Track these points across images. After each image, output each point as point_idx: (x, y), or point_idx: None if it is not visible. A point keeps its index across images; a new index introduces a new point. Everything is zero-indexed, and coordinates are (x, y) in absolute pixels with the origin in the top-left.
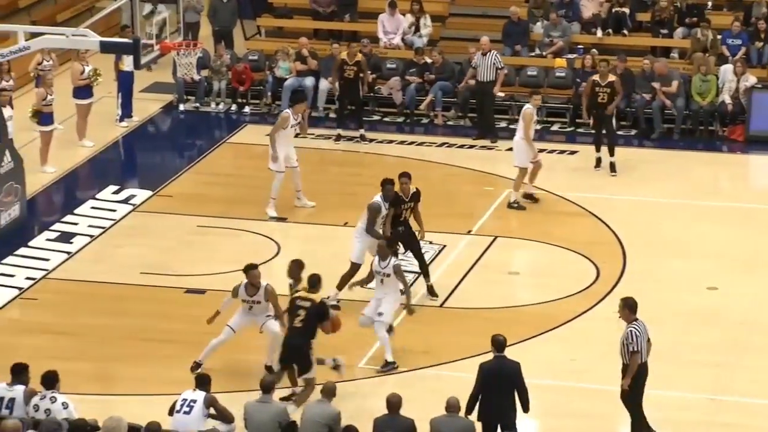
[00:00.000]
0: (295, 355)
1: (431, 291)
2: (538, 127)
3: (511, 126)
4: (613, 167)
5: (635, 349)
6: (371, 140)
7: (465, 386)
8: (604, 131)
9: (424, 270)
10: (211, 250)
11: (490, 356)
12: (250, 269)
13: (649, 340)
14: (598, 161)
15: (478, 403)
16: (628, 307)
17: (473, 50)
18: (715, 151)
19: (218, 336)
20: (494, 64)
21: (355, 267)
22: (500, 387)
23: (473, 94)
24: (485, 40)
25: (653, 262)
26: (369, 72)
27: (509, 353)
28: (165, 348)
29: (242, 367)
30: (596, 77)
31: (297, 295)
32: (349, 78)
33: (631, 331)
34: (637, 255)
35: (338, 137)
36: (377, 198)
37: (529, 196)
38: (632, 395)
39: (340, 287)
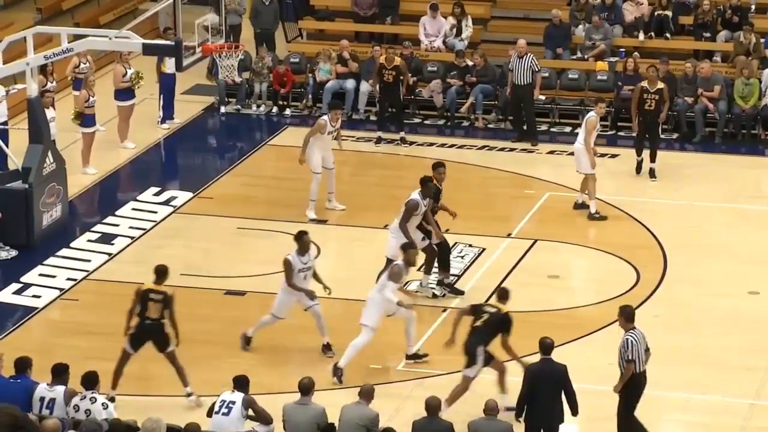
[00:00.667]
0: (466, 352)
1: (446, 285)
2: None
3: (552, 129)
4: (653, 173)
5: (630, 357)
6: (411, 143)
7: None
8: (647, 137)
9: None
10: (250, 252)
11: (530, 359)
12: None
13: (648, 349)
14: (639, 165)
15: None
16: (625, 316)
17: (512, 52)
18: (758, 155)
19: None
20: (531, 67)
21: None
22: (547, 390)
23: (511, 97)
24: (522, 42)
25: (694, 265)
26: (410, 75)
27: (555, 356)
28: (204, 349)
29: (281, 368)
30: (645, 83)
31: (481, 304)
32: (388, 82)
33: (627, 339)
34: (678, 259)
35: (378, 140)
36: (415, 195)
37: (580, 206)
38: (625, 404)
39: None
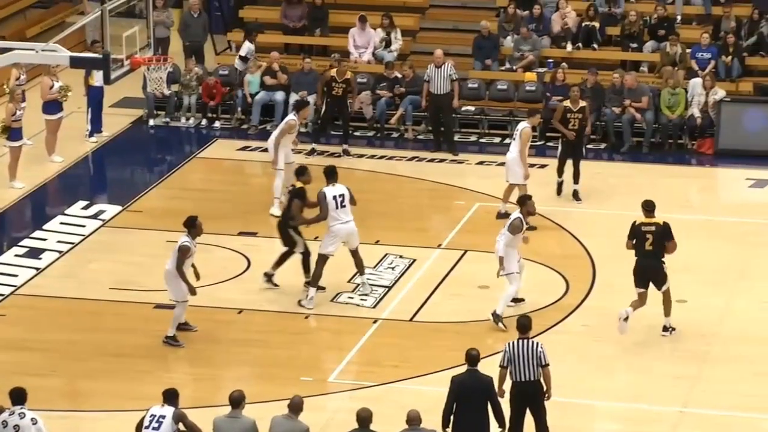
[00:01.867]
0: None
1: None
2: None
3: (481, 140)
4: (577, 195)
5: (502, 364)
6: (353, 155)
7: (435, 400)
8: (571, 156)
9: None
10: None
11: (459, 371)
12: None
13: (540, 362)
14: (560, 187)
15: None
16: (517, 325)
17: (439, 52)
18: (685, 164)
19: None
20: (450, 75)
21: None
22: (473, 401)
23: (429, 108)
24: (439, 53)
25: (623, 275)
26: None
27: (483, 367)
28: (135, 363)
29: (213, 381)
30: (568, 103)
31: (639, 222)
32: (337, 96)
33: (504, 345)
34: (607, 268)
35: (312, 151)
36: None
37: (503, 215)
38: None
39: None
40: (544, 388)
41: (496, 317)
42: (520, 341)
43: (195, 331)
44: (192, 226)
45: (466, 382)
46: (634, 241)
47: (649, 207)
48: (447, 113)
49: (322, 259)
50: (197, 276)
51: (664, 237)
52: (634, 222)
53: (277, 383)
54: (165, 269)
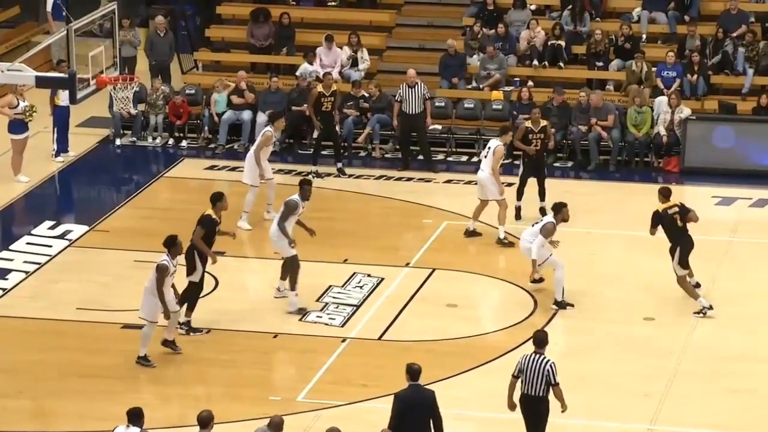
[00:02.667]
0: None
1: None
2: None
3: (449, 158)
4: (544, 211)
5: (514, 373)
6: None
7: None
8: (534, 176)
9: None
10: None
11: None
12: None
13: (549, 381)
14: (518, 212)
15: None
16: (533, 339)
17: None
18: (651, 182)
19: None
20: (424, 95)
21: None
22: (416, 416)
23: (400, 127)
24: (412, 72)
25: (590, 293)
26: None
27: (453, 386)
28: (102, 383)
29: (181, 401)
30: (528, 123)
31: (662, 209)
32: (327, 111)
33: (519, 356)
34: (575, 286)
35: (317, 174)
36: (294, 197)
37: (471, 233)
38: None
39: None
40: (549, 407)
41: (560, 304)
42: (534, 355)
43: (179, 353)
44: (172, 245)
45: (408, 397)
46: (659, 227)
47: (666, 192)
48: (422, 132)
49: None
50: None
51: (685, 212)
52: (657, 211)
53: (246, 403)
54: (144, 286)
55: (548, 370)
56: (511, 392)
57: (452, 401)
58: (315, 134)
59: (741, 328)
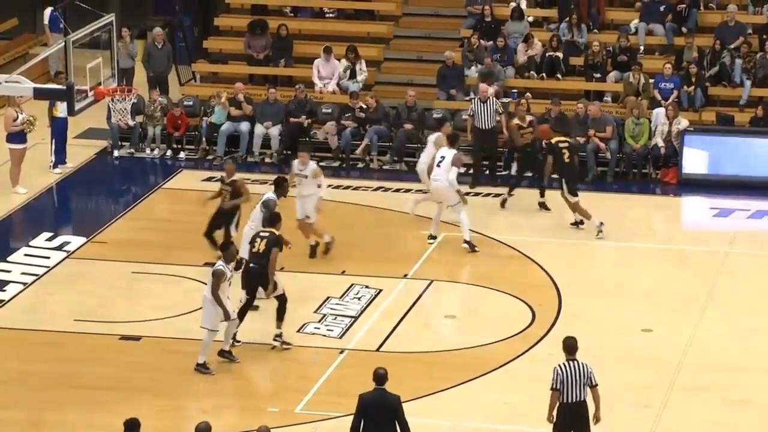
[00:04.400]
0: None
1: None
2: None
3: None
4: (544, 205)
5: (553, 386)
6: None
7: None
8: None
9: None
10: (145, 297)
11: (426, 400)
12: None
13: (593, 386)
14: (504, 203)
15: None
16: (563, 347)
17: (412, 94)
18: (649, 193)
19: None
20: (496, 110)
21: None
22: (379, 420)
23: (474, 142)
24: (483, 87)
25: (588, 304)
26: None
27: (450, 397)
28: (99, 394)
29: (179, 412)
30: (517, 121)
31: None
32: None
33: (554, 367)
34: (573, 297)
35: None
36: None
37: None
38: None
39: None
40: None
41: (469, 243)
42: (570, 362)
43: (237, 362)
44: (226, 249)
45: (373, 400)
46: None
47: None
48: (493, 147)
49: None
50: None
51: (575, 150)
52: (549, 142)
53: (244, 414)
54: (203, 295)
55: (590, 372)
56: (554, 406)
57: (450, 413)
58: None
59: (739, 339)
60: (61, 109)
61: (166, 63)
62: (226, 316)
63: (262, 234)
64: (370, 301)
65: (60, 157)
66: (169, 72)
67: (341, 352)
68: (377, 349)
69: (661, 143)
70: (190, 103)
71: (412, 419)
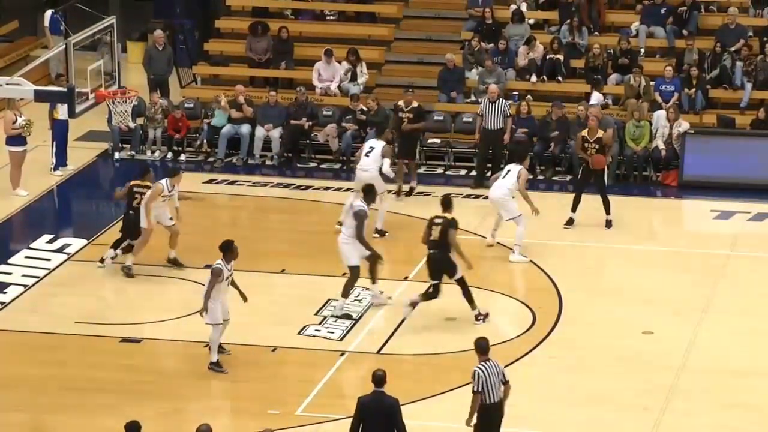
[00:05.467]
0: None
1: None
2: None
3: (447, 173)
4: (609, 223)
5: (476, 389)
6: (308, 187)
7: None
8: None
9: None
10: (145, 299)
11: (426, 403)
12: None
13: (506, 382)
14: (571, 220)
15: None
16: (477, 348)
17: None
18: (650, 196)
19: None
20: (504, 111)
21: (355, 271)
22: (377, 422)
23: (481, 142)
24: (493, 88)
25: (589, 306)
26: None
27: (451, 400)
28: (100, 397)
29: (178, 415)
30: (585, 132)
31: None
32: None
33: (474, 370)
34: (574, 300)
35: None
36: (360, 203)
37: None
38: None
39: (345, 295)
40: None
41: (380, 232)
42: (486, 363)
43: (228, 354)
44: (227, 249)
45: (370, 403)
46: None
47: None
48: (499, 149)
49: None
50: (243, 298)
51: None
52: None
53: (245, 416)
54: (202, 292)
55: (501, 369)
56: (475, 409)
57: (450, 415)
58: None
59: (740, 342)
60: (61, 111)
61: (166, 65)
62: (244, 298)
63: (436, 221)
64: (371, 303)
65: (61, 160)
66: (169, 74)
67: (342, 355)
68: (378, 352)
69: (661, 146)
70: (191, 105)
71: (413, 422)
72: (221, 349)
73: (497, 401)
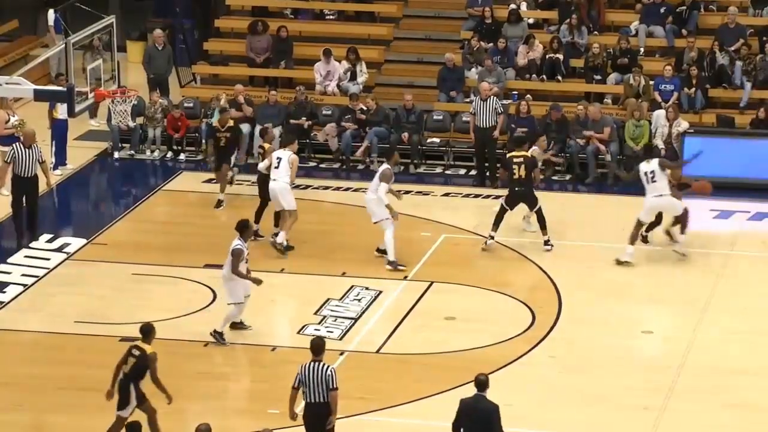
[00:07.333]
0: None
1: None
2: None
3: (446, 172)
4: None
5: (293, 385)
6: (307, 186)
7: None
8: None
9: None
10: (146, 298)
11: (425, 402)
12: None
13: (329, 386)
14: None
15: None
16: (311, 348)
17: (408, 98)
18: None
19: None
20: (496, 109)
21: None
22: (474, 425)
23: (475, 141)
24: (485, 86)
25: (589, 306)
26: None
27: (451, 399)
28: (100, 397)
29: (179, 415)
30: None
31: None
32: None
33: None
34: (573, 299)
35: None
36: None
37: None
38: None
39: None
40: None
41: (393, 264)
42: (313, 363)
43: (249, 329)
44: (245, 229)
45: (468, 405)
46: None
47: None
48: (492, 147)
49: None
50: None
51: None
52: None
53: (244, 416)
54: (222, 274)
55: (329, 375)
56: (292, 403)
57: (450, 415)
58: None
59: (740, 341)
60: (61, 110)
61: (166, 65)
62: (257, 282)
63: (516, 159)
64: (371, 303)
65: (60, 159)
66: (169, 74)
67: (341, 354)
68: (377, 351)
69: (661, 145)
70: (191, 104)
71: (413, 421)
72: (242, 325)
73: (310, 402)
